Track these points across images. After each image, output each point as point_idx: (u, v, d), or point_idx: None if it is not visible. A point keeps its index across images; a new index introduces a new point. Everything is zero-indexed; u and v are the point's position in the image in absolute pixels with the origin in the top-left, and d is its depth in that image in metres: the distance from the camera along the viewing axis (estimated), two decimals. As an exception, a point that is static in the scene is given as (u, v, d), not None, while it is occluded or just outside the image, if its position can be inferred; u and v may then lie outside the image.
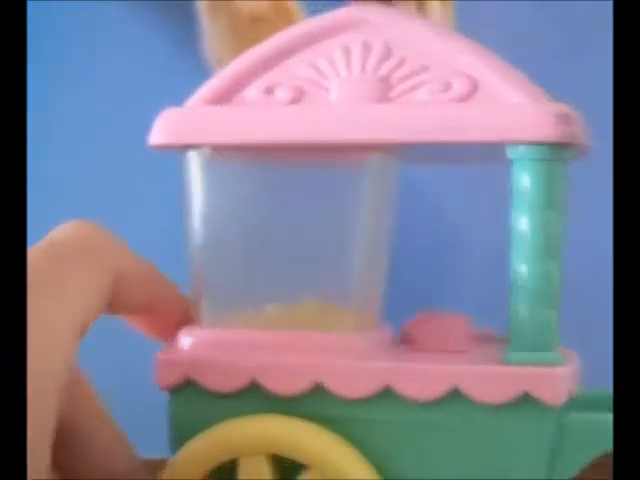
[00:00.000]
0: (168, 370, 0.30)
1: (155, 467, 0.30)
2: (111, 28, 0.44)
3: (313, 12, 0.44)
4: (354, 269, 0.30)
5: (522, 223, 0.29)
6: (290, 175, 0.31)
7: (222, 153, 0.30)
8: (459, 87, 0.29)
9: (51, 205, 0.44)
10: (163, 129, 0.30)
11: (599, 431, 0.29)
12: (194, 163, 0.31)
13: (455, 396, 0.28)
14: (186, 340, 0.31)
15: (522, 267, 0.29)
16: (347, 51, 0.30)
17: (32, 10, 0.42)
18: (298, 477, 0.28)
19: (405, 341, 0.32)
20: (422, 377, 0.28)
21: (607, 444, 0.29)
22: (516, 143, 0.28)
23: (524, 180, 0.28)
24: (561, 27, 0.46)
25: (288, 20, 0.45)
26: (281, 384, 0.29)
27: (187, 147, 0.31)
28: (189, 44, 0.45)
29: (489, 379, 0.28)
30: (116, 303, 0.29)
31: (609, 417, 0.29)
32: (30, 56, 0.41)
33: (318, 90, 0.30)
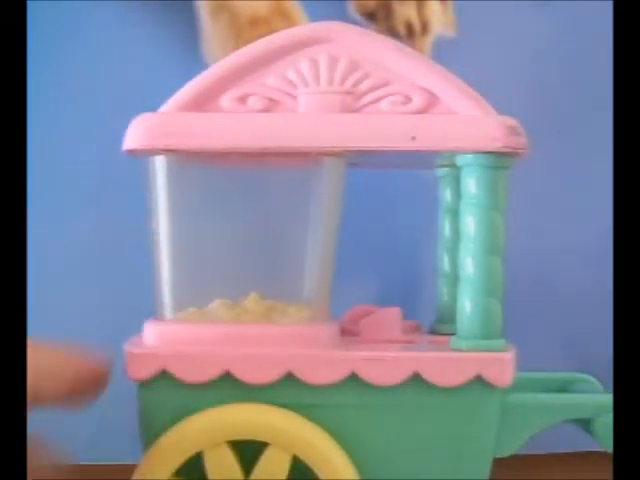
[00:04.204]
0: (142, 363, 0.31)
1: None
2: (111, 29, 0.44)
3: (313, 13, 0.44)
4: (308, 266, 0.33)
5: (469, 223, 0.32)
6: (249, 178, 0.33)
7: (189, 158, 0.32)
8: (418, 100, 0.32)
9: (49, 205, 0.44)
10: (135, 134, 0.32)
11: (538, 410, 0.32)
12: (160, 167, 0.32)
13: (415, 380, 0.31)
14: (153, 334, 0.32)
15: (469, 263, 0.32)
16: (315, 64, 0.32)
17: (32, 10, 0.42)
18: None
19: (345, 333, 0.34)
20: (386, 364, 0.31)
21: (546, 422, 0.32)
22: (470, 152, 0.31)
23: (473, 185, 0.32)
24: (561, 27, 0.46)
25: (288, 21, 0.45)
26: (253, 374, 0.31)
27: (158, 152, 0.32)
28: (190, 45, 0.45)
29: (446, 364, 0.31)
30: None
31: (548, 397, 0.33)
32: (30, 56, 0.42)
33: (288, 100, 0.32)
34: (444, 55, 0.44)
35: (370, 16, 0.45)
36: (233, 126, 0.31)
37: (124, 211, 0.43)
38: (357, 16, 0.45)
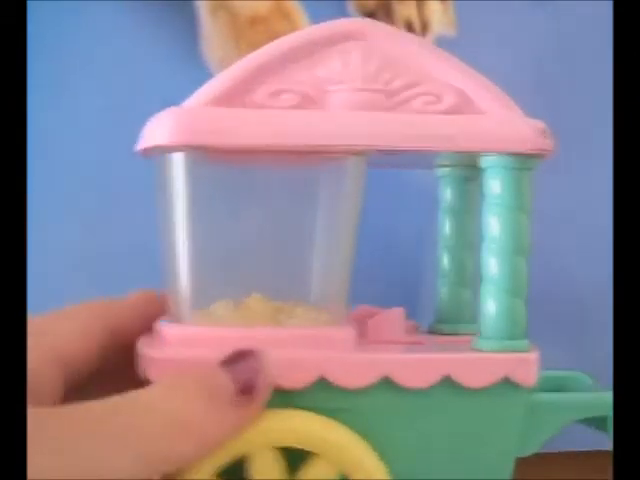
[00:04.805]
0: (164, 368, 0.29)
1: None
2: (110, 29, 0.44)
3: (313, 13, 0.44)
4: (330, 268, 0.32)
5: (495, 224, 0.32)
6: (268, 177, 0.33)
7: (217, 155, 0.31)
8: (450, 100, 0.32)
9: (49, 204, 0.44)
10: (172, 129, 0.30)
11: (559, 408, 0.33)
12: (178, 165, 0.31)
13: (446, 383, 0.31)
14: (172, 337, 0.31)
15: (495, 263, 0.32)
16: (348, 61, 0.32)
17: (31, 10, 0.42)
18: (302, 467, 0.29)
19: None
20: (418, 366, 0.31)
21: (566, 420, 0.33)
22: (503, 153, 0.31)
23: (500, 185, 0.32)
24: (562, 27, 0.46)
25: (288, 21, 0.45)
26: (286, 378, 0.30)
27: (194, 148, 0.30)
28: (189, 45, 0.45)
29: (476, 366, 0.31)
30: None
31: (569, 396, 0.34)
32: (30, 56, 0.42)
33: (320, 96, 0.31)
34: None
35: (370, 16, 0.45)
36: (268, 123, 0.30)
37: (124, 211, 0.43)
38: (357, 16, 0.45)
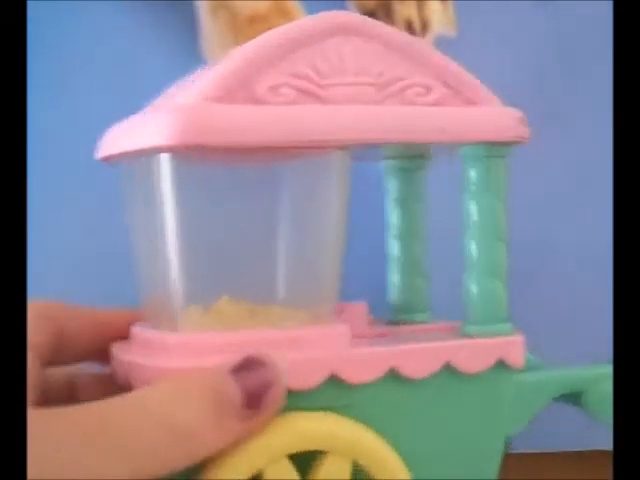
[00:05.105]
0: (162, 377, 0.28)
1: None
2: (110, 29, 0.44)
3: (313, 12, 0.44)
4: (323, 266, 0.32)
5: (477, 211, 0.33)
6: (250, 176, 0.32)
7: (199, 155, 0.30)
8: (440, 92, 0.32)
9: (49, 204, 0.44)
10: (177, 128, 0.28)
11: (544, 386, 0.33)
12: (166, 167, 0.30)
13: (446, 370, 0.31)
14: (172, 344, 0.30)
15: (476, 249, 0.33)
16: (341, 54, 0.31)
17: (31, 10, 0.42)
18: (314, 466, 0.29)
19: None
20: (421, 356, 0.31)
21: (549, 397, 0.33)
22: (489, 143, 0.32)
23: (481, 173, 0.32)
24: (561, 27, 0.46)
25: (288, 20, 0.45)
26: (296, 380, 0.29)
27: (195, 148, 0.29)
28: (190, 45, 0.45)
29: (474, 351, 0.32)
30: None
31: (550, 374, 0.34)
32: (30, 56, 0.42)
33: (316, 91, 0.31)
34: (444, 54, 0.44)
35: (370, 15, 0.45)
36: (269, 121, 0.29)
37: (124, 212, 0.43)
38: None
